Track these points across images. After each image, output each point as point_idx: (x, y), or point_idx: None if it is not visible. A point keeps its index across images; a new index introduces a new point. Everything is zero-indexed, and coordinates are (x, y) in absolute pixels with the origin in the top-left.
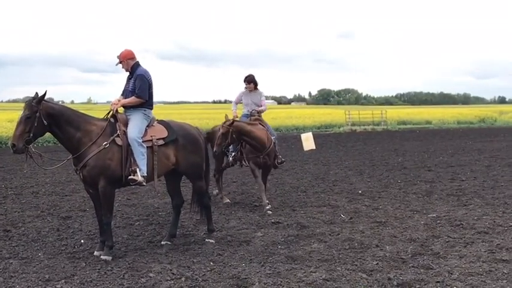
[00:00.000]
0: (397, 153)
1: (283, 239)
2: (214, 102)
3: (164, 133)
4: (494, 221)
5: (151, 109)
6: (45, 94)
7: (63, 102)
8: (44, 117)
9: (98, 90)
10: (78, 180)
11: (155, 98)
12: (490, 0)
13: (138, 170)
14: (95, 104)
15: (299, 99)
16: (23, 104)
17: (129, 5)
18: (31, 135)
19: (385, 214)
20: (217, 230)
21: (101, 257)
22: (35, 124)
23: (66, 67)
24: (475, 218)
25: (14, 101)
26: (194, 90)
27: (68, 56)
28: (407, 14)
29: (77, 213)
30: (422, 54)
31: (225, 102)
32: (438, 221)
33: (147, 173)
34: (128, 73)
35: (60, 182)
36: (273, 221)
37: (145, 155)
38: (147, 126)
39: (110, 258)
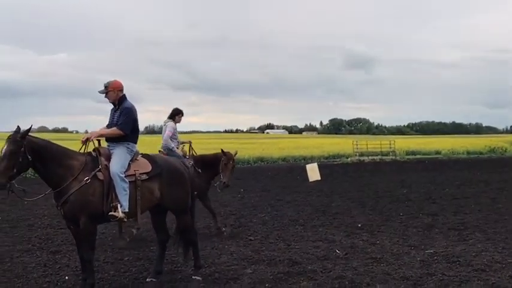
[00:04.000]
0: (403, 185)
1: (272, 277)
2: (226, 131)
3: (148, 167)
4: (493, 258)
5: (135, 143)
6: (30, 129)
7: (77, 132)
8: (28, 152)
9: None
10: None
11: None
12: (502, 30)
13: (119, 206)
14: None
15: (310, 128)
16: (35, 134)
17: (139, 33)
18: (15, 170)
19: (382, 250)
20: (206, 266)
21: None
22: (20, 160)
23: (82, 98)
24: (474, 254)
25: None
26: (207, 119)
27: (85, 87)
28: (419, 44)
29: (67, 247)
30: (435, 83)
31: (237, 131)
32: (435, 257)
33: (129, 209)
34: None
35: (58, 215)
36: (265, 257)
37: (128, 190)
38: (131, 160)
39: None
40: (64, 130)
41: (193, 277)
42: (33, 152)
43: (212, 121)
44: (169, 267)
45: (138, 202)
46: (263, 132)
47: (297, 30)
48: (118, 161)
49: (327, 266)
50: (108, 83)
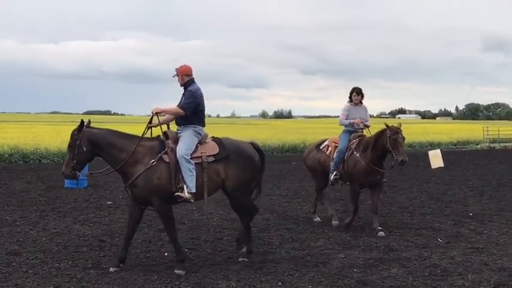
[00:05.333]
0: None
1: (362, 262)
2: None
3: (215, 150)
4: None
5: (203, 126)
6: (82, 122)
7: (209, 116)
8: (84, 144)
9: (241, 105)
10: None
11: (298, 112)
12: None
13: (185, 186)
14: (238, 117)
15: (445, 113)
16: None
17: (269, 18)
18: (75, 161)
19: (487, 240)
20: (300, 249)
21: (175, 271)
22: (76, 152)
23: (215, 83)
24: None
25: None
26: (335, 104)
27: (217, 72)
28: None
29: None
30: None
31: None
32: None
33: (196, 190)
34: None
35: None
36: (362, 242)
37: (194, 172)
38: (199, 143)
39: (183, 272)
40: None
41: (240, 259)
42: (90, 143)
43: (341, 106)
44: (264, 249)
45: (204, 184)
46: (394, 117)
47: (432, 10)
48: (184, 143)
49: (423, 254)
50: (177, 68)
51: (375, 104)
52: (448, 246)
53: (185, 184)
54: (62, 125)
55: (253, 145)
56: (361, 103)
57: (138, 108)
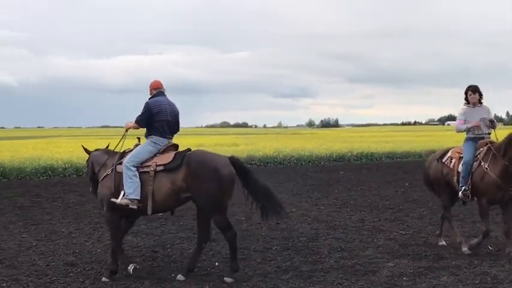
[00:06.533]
0: None
1: (412, 271)
2: (403, 124)
3: (168, 160)
4: None
5: (162, 136)
6: (85, 149)
7: (256, 126)
8: (88, 165)
9: (288, 114)
10: (239, 203)
11: (345, 121)
12: None
13: (122, 193)
14: (285, 127)
15: (496, 119)
16: (219, 129)
17: (313, 27)
18: (89, 179)
19: None
20: (349, 258)
21: (224, 278)
22: (87, 171)
23: (261, 93)
24: None
25: (212, 126)
26: (383, 112)
27: (263, 83)
28: None
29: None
30: None
31: (414, 123)
32: None
33: (140, 197)
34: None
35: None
36: (411, 251)
37: (135, 179)
38: (159, 153)
39: (231, 280)
40: (244, 125)
41: (225, 278)
42: (91, 163)
43: (389, 113)
44: (313, 258)
45: (149, 192)
46: (443, 124)
47: (478, 14)
48: (132, 152)
49: (473, 262)
50: (149, 85)
51: (423, 110)
52: (499, 253)
53: (123, 190)
54: (112, 138)
55: (231, 159)
56: (481, 103)
57: (186, 120)
